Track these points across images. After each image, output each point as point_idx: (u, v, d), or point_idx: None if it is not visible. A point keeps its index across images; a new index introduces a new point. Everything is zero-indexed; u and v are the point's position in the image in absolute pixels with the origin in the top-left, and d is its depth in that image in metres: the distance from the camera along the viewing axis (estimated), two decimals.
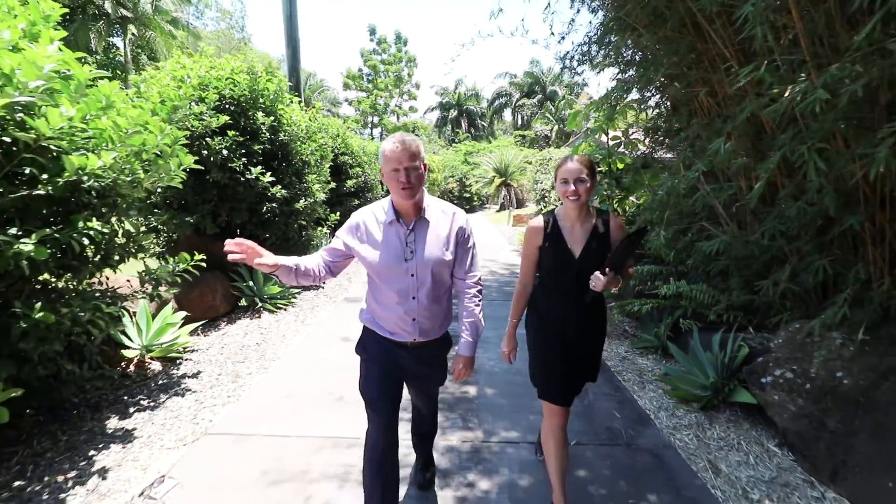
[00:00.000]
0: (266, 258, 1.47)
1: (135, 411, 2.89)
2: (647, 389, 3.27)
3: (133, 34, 17.55)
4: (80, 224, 2.34)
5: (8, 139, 2.13)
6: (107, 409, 2.90)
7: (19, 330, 2.21)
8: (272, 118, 5.09)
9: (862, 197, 2.46)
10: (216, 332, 4.38)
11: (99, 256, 2.75)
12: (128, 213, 2.89)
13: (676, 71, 3.54)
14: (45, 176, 2.23)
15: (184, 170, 2.99)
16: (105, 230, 2.48)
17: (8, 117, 2.08)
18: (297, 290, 5.75)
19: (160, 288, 3.14)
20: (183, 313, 3.90)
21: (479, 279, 1.82)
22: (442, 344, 1.86)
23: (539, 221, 1.93)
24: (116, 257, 2.88)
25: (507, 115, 38.78)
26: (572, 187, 1.76)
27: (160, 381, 3.30)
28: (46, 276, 2.59)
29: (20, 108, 2.11)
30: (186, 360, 3.70)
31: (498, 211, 22.80)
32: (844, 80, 1.88)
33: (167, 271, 3.13)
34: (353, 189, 9.23)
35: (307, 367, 3.58)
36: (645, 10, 3.36)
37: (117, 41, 18.90)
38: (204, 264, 3.29)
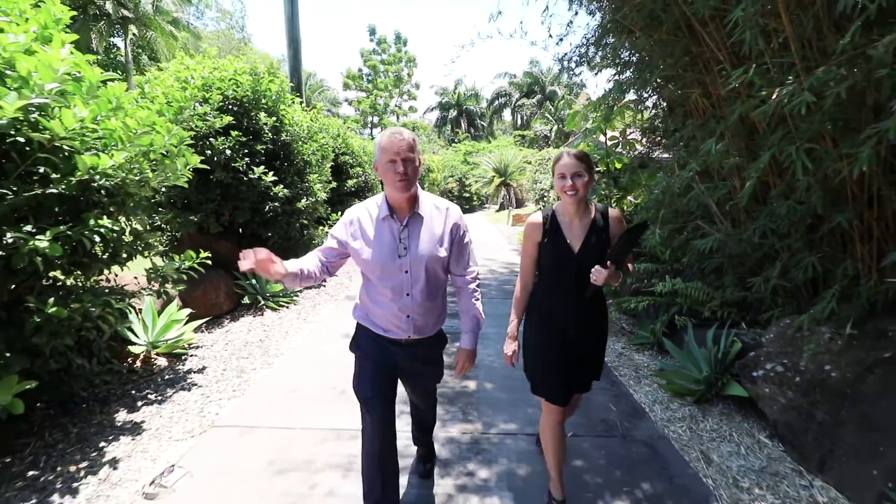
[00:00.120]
0: (279, 266, 1.43)
1: (142, 405, 2.96)
2: (642, 384, 3.34)
3: (134, 34, 17.61)
4: (91, 222, 2.41)
5: (22, 139, 2.20)
6: (115, 403, 2.97)
7: (33, 324, 2.29)
8: (274, 118, 5.17)
9: (850, 195, 2.54)
10: (220, 330, 4.45)
11: (107, 254, 2.82)
12: (135, 211, 2.96)
13: (672, 73, 3.62)
14: (55, 175, 2.30)
15: (189, 169, 3.06)
16: (115, 228, 2.55)
17: (22, 118, 2.15)
18: (298, 289, 5.82)
19: (166, 285, 3.22)
20: (188, 310, 3.97)
21: (477, 274, 1.83)
22: (437, 342, 1.84)
23: (538, 217, 1.91)
24: (124, 255, 2.94)
25: (507, 115, 38.85)
26: (569, 182, 1.76)
27: (166, 377, 3.37)
28: (56, 273, 2.67)
29: (34, 109, 2.18)
30: (192, 356, 3.77)
31: (497, 211, 22.88)
32: (829, 83, 1.95)
33: (173, 269, 3.21)
34: (353, 189, 9.30)
35: (310, 363, 3.65)
36: (641, 13, 3.44)
37: (118, 41, 18.96)
38: (209, 262, 3.36)
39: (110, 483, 2.22)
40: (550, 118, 26.96)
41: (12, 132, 2.14)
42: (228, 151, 4.58)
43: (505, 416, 2.83)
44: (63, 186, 2.27)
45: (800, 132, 2.38)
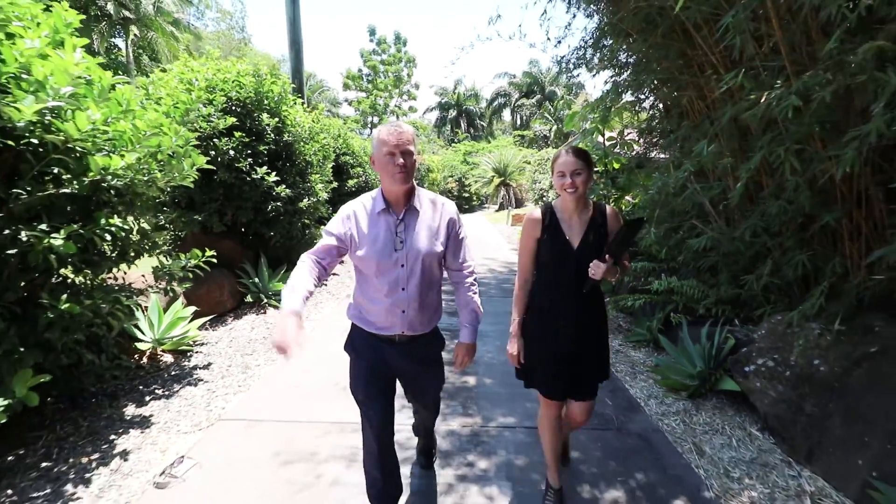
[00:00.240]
0: (301, 321, 1.41)
1: (150, 399, 3.03)
2: (638, 379, 3.42)
3: (135, 35, 17.68)
4: (102, 221, 2.48)
5: (35, 141, 2.27)
6: (123, 398, 3.04)
7: (46, 320, 2.36)
8: (277, 119, 5.24)
9: (839, 195, 2.62)
10: (224, 327, 4.52)
11: (116, 252, 2.89)
12: (143, 211, 3.03)
13: (667, 75, 3.69)
14: (66, 176, 2.38)
15: (195, 170, 3.13)
16: (125, 227, 2.62)
17: (36, 121, 2.22)
18: None
19: (172, 283, 3.29)
20: (192, 308, 4.04)
21: (473, 269, 1.83)
22: (432, 339, 1.82)
23: (537, 213, 1.91)
24: (132, 253, 3.02)
25: (507, 115, 38.91)
26: (569, 180, 1.76)
27: (173, 372, 3.45)
28: (65, 270, 2.74)
29: (47, 111, 2.25)
30: (197, 352, 3.85)
31: (497, 210, 22.95)
32: (816, 88, 2.03)
33: (179, 267, 3.28)
34: (354, 189, 9.37)
35: (313, 359, 3.73)
36: (637, 16, 3.52)
37: (119, 42, 19.03)
38: (215, 260, 3.44)
39: (122, 473, 2.30)
40: (550, 118, 27.03)
41: (26, 134, 2.22)
42: (232, 152, 4.65)
43: (504, 410, 2.91)
44: (76, 186, 2.35)
45: (789, 134, 2.46)
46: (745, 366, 2.83)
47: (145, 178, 2.75)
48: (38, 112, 2.14)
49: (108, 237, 2.54)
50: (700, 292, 3.67)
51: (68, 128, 2.16)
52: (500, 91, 36.69)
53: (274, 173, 5.03)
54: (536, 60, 34.81)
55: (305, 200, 5.72)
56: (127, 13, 17.20)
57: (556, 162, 1.83)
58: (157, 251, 3.28)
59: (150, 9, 17.52)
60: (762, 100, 2.21)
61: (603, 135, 5.50)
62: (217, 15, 30.69)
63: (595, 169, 5.78)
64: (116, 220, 2.56)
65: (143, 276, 3.59)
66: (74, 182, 2.36)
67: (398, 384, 1.87)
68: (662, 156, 5.18)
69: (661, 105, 4.70)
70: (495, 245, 10.97)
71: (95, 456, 2.43)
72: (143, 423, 2.76)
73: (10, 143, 2.11)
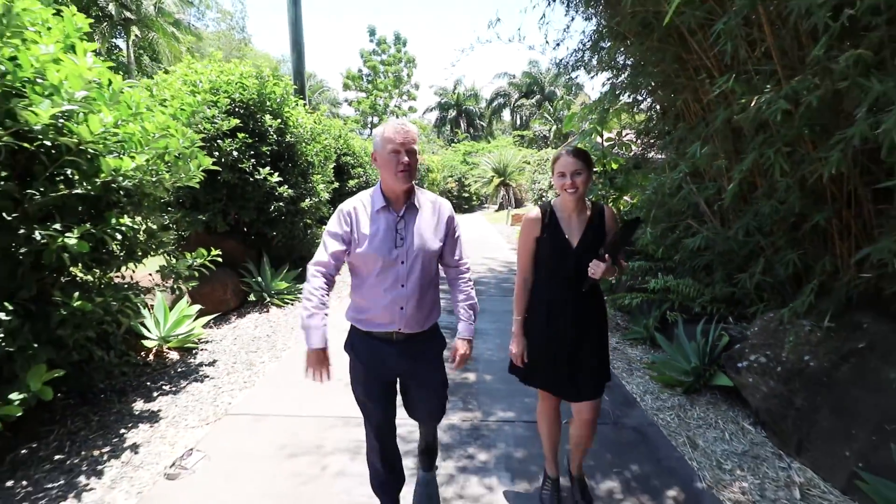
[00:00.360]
0: (326, 357, 1.65)
1: (158, 395, 3.11)
2: (634, 376, 3.49)
3: (136, 36, 17.75)
4: (113, 221, 2.56)
5: (48, 143, 2.35)
6: (132, 394, 3.11)
7: (59, 317, 2.43)
8: (279, 121, 5.31)
9: (829, 195, 2.69)
10: (227, 325, 4.60)
11: (124, 251, 2.97)
12: (151, 211, 3.11)
13: (663, 78, 3.77)
14: (76, 176, 2.45)
15: (201, 170, 3.21)
16: (135, 227, 2.70)
17: (50, 124, 2.29)
18: (302, 287, 5.96)
19: (179, 281, 3.37)
20: (198, 306, 4.11)
21: (469, 265, 1.86)
22: (431, 337, 1.80)
23: (536, 212, 1.93)
24: (139, 252, 3.09)
25: (506, 115, 38.97)
26: (569, 180, 1.78)
27: (179, 369, 3.52)
28: (74, 269, 2.81)
29: (61, 114, 2.33)
30: (202, 350, 3.92)
31: (497, 210, 23.02)
32: (804, 92, 2.10)
33: (186, 266, 3.36)
34: (355, 188, 9.44)
35: None
36: (634, 20, 3.59)
37: (120, 42, 19.09)
38: (220, 259, 3.51)
39: (133, 465, 2.37)
40: (549, 118, 27.11)
41: (39, 136, 2.29)
42: (235, 153, 4.72)
43: (503, 405, 2.98)
44: (88, 187, 2.42)
45: (780, 136, 2.53)
46: (738, 362, 2.90)
47: (153, 179, 2.83)
48: (53, 115, 2.22)
49: (119, 236, 2.61)
50: (696, 291, 3.74)
51: (81, 130, 2.23)
52: (500, 91, 36.75)
53: (276, 174, 5.10)
54: (536, 61, 34.88)
55: (307, 200, 5.79)
56: (128, 14, 17.27)
57: (557, 162, 1.85)
58: (163, 250, 3.36)
59: (151, 10, 17.58)
60: (752, 103, 2.28)
61: (601, 136, 5.57)
62: (217, 15, 30.76)
63: (594, 169, 5.86)
64: (126, 220, 2.63)
65: (150, 274, 3.66)
66: (86, 183, 2.43)
67: (398, 385, 1.88)
68: (660, 156, 5.25)
69: (658, 107, 4.78)
70: (495, 244, 11.05)
71: (106, 449, 2.50)
72: (152, 417, 2.83)
73: (25, 145, 2.18)
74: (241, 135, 4.75)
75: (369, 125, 35.18)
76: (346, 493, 2.15)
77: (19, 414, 2.15)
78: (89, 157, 2.48)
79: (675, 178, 3.43)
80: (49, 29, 2.55)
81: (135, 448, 2.52)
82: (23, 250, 2.26)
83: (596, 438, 2.60)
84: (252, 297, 5.27)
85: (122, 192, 2.76)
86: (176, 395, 3.12)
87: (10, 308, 2.22)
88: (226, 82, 4.89)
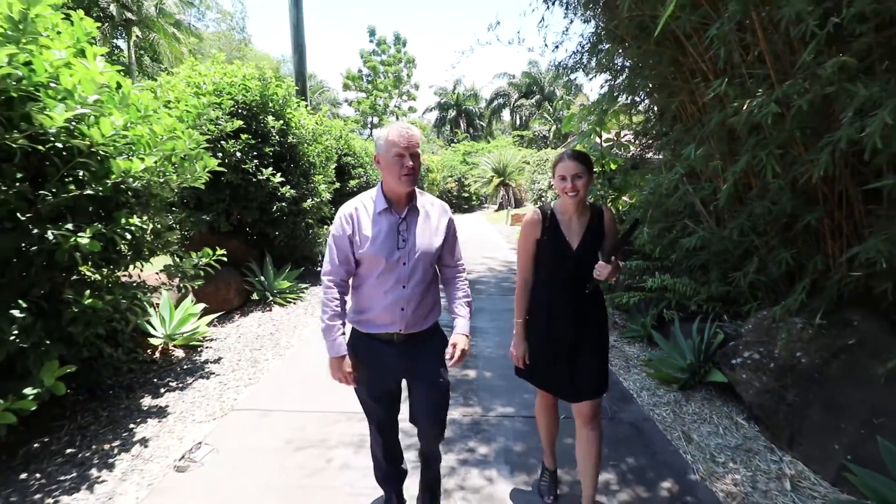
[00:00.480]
0: (347, 363, 1.70)
1: (165, 391, 3.17)
2: (631, 373, 3.56)
3: (137, 37, 17.81)
4: (122, 221, 2.63)
5: (60, 145, 2.41)
6: (139, 390, 3.18)
7: (70, 315, 2.50)
8: (281, 122, 5.38)
9: (821, 196, 2.76)
10: (231, 324, 4.67)
11: (132, 251, 3.03)
12: (157, 211, 3.17)
13: (660, 81, 3.84)
14: (87, 177, 2.51)
15: (206, 171, 3.27)
16: (145, 227, 2.76)
17: (63, 127, 2.36)
18: (304, 286, 6.04)
19: (185, 280, 3.43)
20: (202, 305, 4.18)
21: (465, 265, 1.89)
22: (431, 335, 1.81)
23: (537, 215, 1.93)
24: (146, 252, 3.16)
25: (506, 115, 39.00)
26: (570, 184, 1.79)
27: (185, 366, 3.59)
28: (84, 267, 2.88)
29: (74, 118, 2.39)
30: (207, 347, 3.99)
31: (496, 210, 23.09)
32: (794, 96, 2.17)
33: (191, 265, 3.42)
34: (356, 189, 9.49)
35: (320, 353, 3.82)
36: (632, 23, 3.66)
37: (121, 43, 19.15)
38: (225, 258, 3.58)
39: (143, 459, 2.44)
40: (549, 118, 27.18)
41: (51, 139, 2.35)
42: (238, 154, 4.79)
43: (503, 401, 3.05)
44: (99, 188, 2.48)
45: (772, 138, 2.60)
46: (733, 358, 2.97)
47: (161, 180, 2.90)
48: (67, 119, 2.29)
49: (128, 236, 2.68)
50: (692, 289, 3.81)
51: (93, 133, 2.30)
52: (500, 91, 36.80)
53: (279, 174, 5.16)
54: (536, 61, 34.89)
55: (309, 201, 5.86)
56: (129, 15, 17.33)
57: (557, 166, 1.85)
58: (169, 250, 3.42)
59: (152, 10, 17.64)
60: (745, 107, 2.35)
61: (600, 136, 5.64)
62: (217, 16, 30.81)
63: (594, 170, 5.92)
64: (135, 220, 2.70)
65: (156, 273, 3.73)
66: (97, 184, 2.50)
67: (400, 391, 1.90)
68: (657, 157, 5.32)
69: (655, 108, 4.84)
70: (494, 244, 11.12)
71: (116, 443, 2.57)
72: (160, 413, 2.90)
73: (39, 147, 2.25)
74: (244, 136, 4.81)
75: (369, 125, 35.25)
76: (351, 484, 2.22)
77: (33, 408, 2.21)
78: (100, 158, 2.55)
79: (671, 178, 3.50)
80: (59, 33, 2.62)
81: (144, 442, 2.58)
82: (35, 249, 2.32)
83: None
84: (255, 297, 5.34)
85: (130, 193, 2.82)
86: (182, 391, 3.19)
87: (24, 305, 2.28)
88: (229, 84, 4.96)
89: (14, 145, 2.14)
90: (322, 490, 2.19)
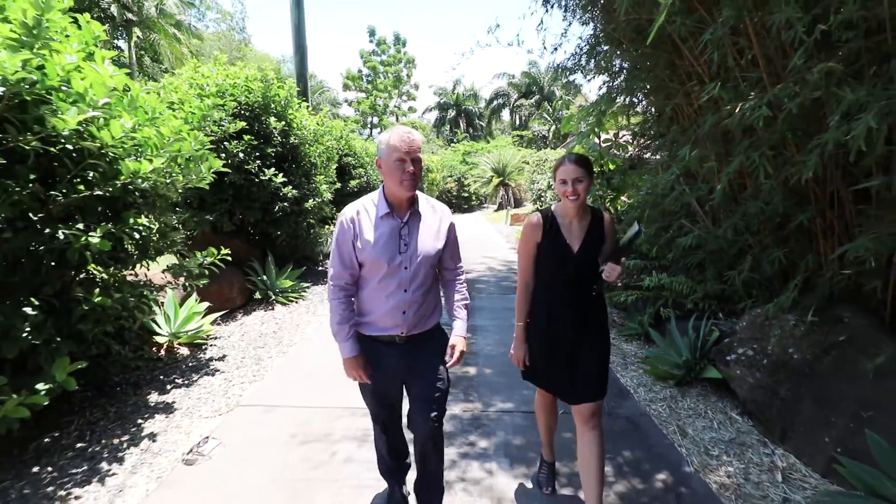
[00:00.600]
0: (360, 362, 1.74)
1: (171, 388, 3.24)
2: (629, 370, 3.63)
3: (138, 37, 17.86)
4: (130, 221, 2.69)
5: (70, 147, 2.47)
6: (146, 387, 3.24)
7: (80, 312, 2.56)
8: (283, 123, 5.44)
9: (812, 196, 2.83)
10: (234, 323, 4.73)
11: (138, 250, 3.09)
12: (163, 211, 3.23)
13: (657, 83, 3.90)
14: (96, 178, 2.57)
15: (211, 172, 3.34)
16: (152, 226, 2.83)
17: (74, 129, 2.42)
18: (306, 285, 6.10)
19: (190, 279, 3.49)
20: (206, 303, 4.24)
21: (464, 268, 1.93)
22: (433, 335, 1.82)
23: (537, 218, 1.93)
24: (153, 251, 3.22)
25: (506, 115, 39.07)
26: (570, 188, 1.80)
27: (190, 364, 3.65)
28: (92, 266, 2.94)
29: (84, 120, 2.45)
30: (211, 345, 4.05)
31: (496, 210, 23.16)
32: (785, 99, 2.23)
33: (196, 264, 3.48)
34: (356, 189, 9.56)
35: (322, 351, 3.93)
36: (629, 26, 3.72)
37: (121, 44, 19.19)
38: (229, 258, 3.64)
39: (151, 452, 2.50)
40: (548, 118, 27.26)
41: (62, 141, 2.42)
42: (241, 154, 4.85)
43: (502, 397, 3.12)
44: (108, 189, 2.55)
45: (765, 140, 2.67)
46: (727, 355, 3.04)
47: (167, 181, 2.96)
48: (78, 121, 2.35)
49: (136, 236, 2.74)
50: (688, 288, 3.88)
51: (103, 135, 2.36)
52: (499, 91, 36.87)
53: (281, 174, 5.23)
54: (535, 62, 34.94)
55: (310, 201, 5.92)
56: (130, 15, 17.38)
57: (559, 169, 1.86)
58: (174, 249, 3.48)
59: (152, 11, 17.70)
60: (738, 109, 2.41)
61: (599, 137, 5.70)
62: (217, 16, 30.86)
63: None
64: (143, 220, 2.76)
65: (162, 272, 3.79)
66: (106, 185, 2.56)
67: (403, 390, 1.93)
68: (655, 157, 5.39)
69: (653, 109, 4.91)
70: (494, 244, 11.19)
71: (125, 438, 2.63)
72: (167, 408, 2.96)
73: (51, 149, 2.31)
74: (246, 137, 4.88)
75: (369, 125, 35.30)
76: (355, 476, 2.28)
77: (46, 403, 2.27)
78: (109, 160, 2.61)
79: (668, 179, 3.56)
80: (67, 37, 2.68)
81: (152, 437, 2.65)
82: (46, 248, 2.39)
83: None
84: (257, 296, 5.40)
85: (138, 194, 2.88)
86: (188, 387, 3.25)
87: (36, 303, 2.34)
88: (232, 85, 5.03)
89: (27, 147, 2.20)
90: (327, 483, 2.25)
